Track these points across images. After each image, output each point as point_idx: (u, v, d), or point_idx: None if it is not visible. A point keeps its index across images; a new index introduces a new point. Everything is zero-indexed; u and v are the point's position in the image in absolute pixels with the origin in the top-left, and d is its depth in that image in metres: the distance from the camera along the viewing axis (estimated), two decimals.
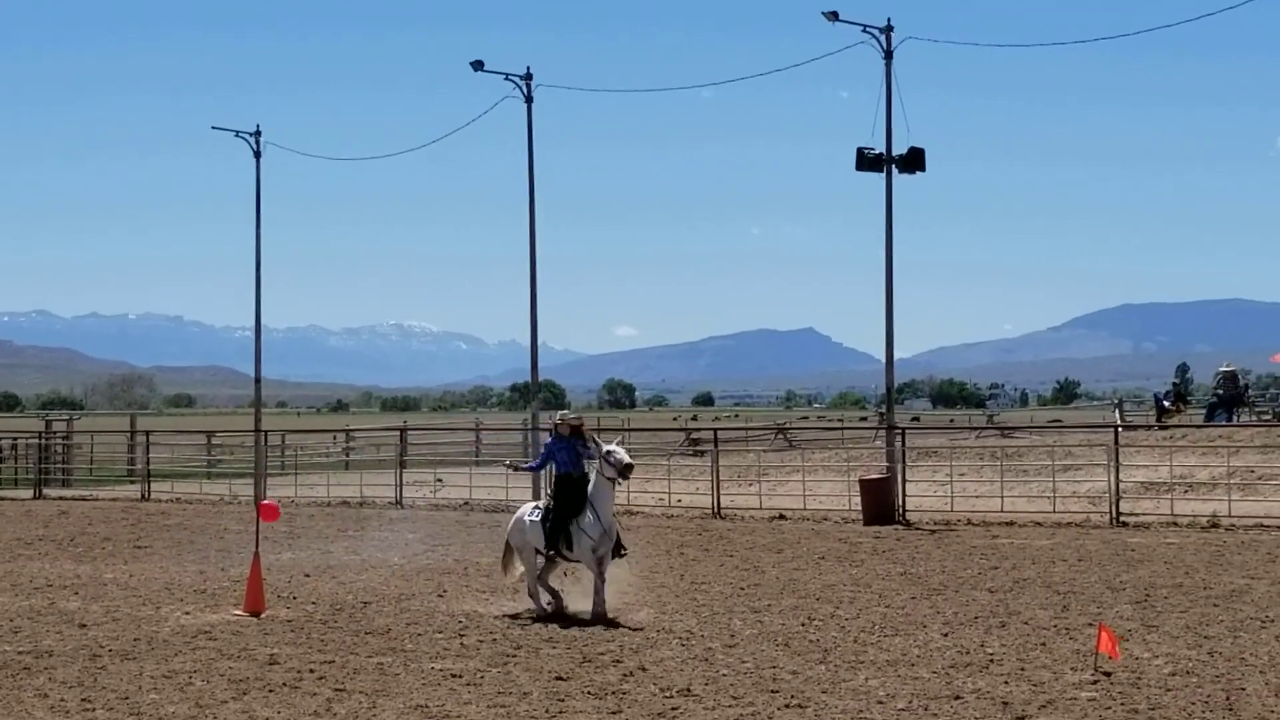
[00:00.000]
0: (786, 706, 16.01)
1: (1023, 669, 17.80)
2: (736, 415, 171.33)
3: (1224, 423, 52.25)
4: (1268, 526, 34.57)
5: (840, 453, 51.68)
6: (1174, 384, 67.80)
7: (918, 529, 37.29)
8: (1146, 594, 24.21)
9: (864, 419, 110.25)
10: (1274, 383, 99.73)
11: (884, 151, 40.90)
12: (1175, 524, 35.85)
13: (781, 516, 41.32)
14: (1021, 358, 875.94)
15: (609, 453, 23.19)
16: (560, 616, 22.60)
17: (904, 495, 40.29)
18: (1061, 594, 24.47)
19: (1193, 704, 15.68)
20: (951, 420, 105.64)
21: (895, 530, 37.14)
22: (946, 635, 20.47)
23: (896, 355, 42.97)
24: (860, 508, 39.71)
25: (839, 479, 44.64)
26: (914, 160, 40.86)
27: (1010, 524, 37.57)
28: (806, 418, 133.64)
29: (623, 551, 23.39)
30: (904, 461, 41.36)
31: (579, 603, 22.94)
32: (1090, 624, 19.71)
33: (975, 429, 66.03)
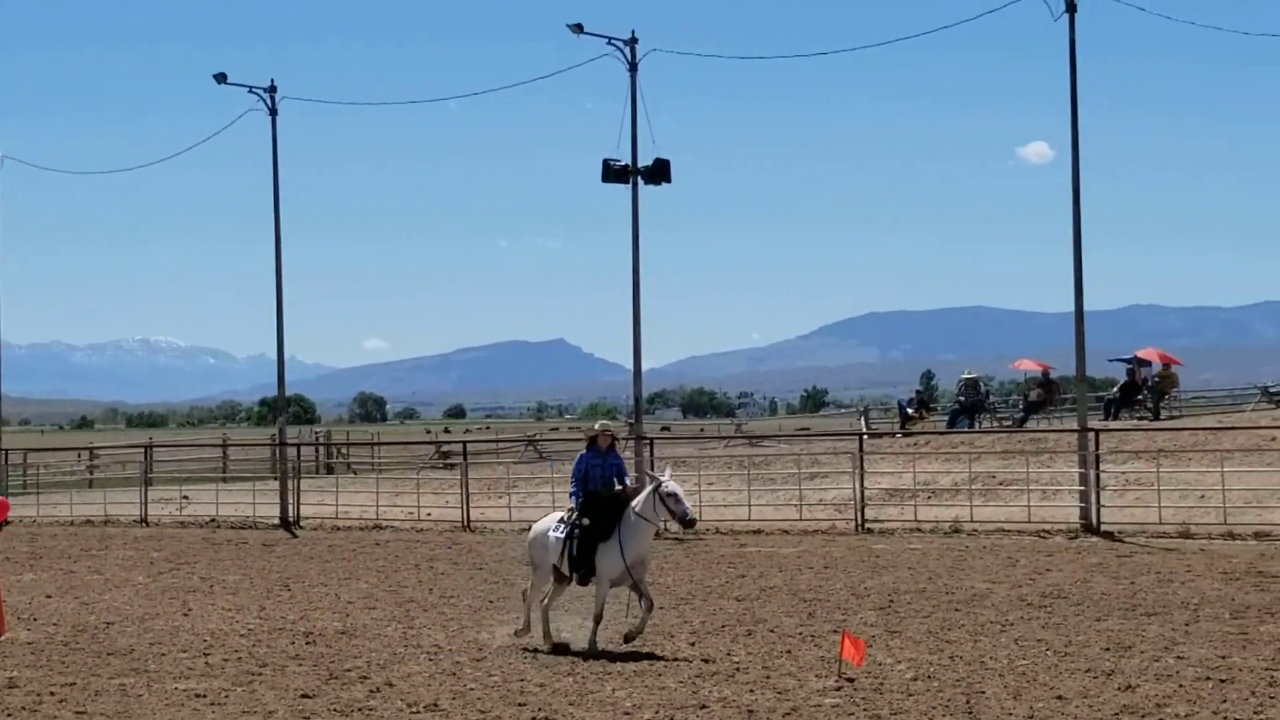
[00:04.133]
0: (534, 719, 16.01)
1: (768, 677, 17.99)
2: (488, 427, 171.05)
3: (966, 429, 53.38)
4: (1008, 531, 35.35)
5: None
6: (918, 391, 69.05)
7: (666, 539, 37.50)
8: (890, 600, 24.62)
9: None
10: (1016, 389, 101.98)
11: (630, 163, 41.10)
12: (919, 530, 36.51)
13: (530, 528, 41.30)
14: (771, 366, 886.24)
15: (665, 490, 20.22)
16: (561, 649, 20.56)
17: None
18: (807, 601, 24.78)
19: (933, 708, 15.96)
20: (701, 430, 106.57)
21: None
22: (693, 644, 20.62)
23: (647, 365, 43.26)
24: None
25: None
26: (660, 171, 41.13)
27: (758, 532, 37.97)
28: (557, 429, 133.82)
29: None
30: (653, 472, 41.59)
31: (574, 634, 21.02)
32: (835, 630, 19.98)
33: (724, 438, 66.67)
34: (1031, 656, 18.96)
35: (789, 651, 19.77)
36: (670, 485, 20.26)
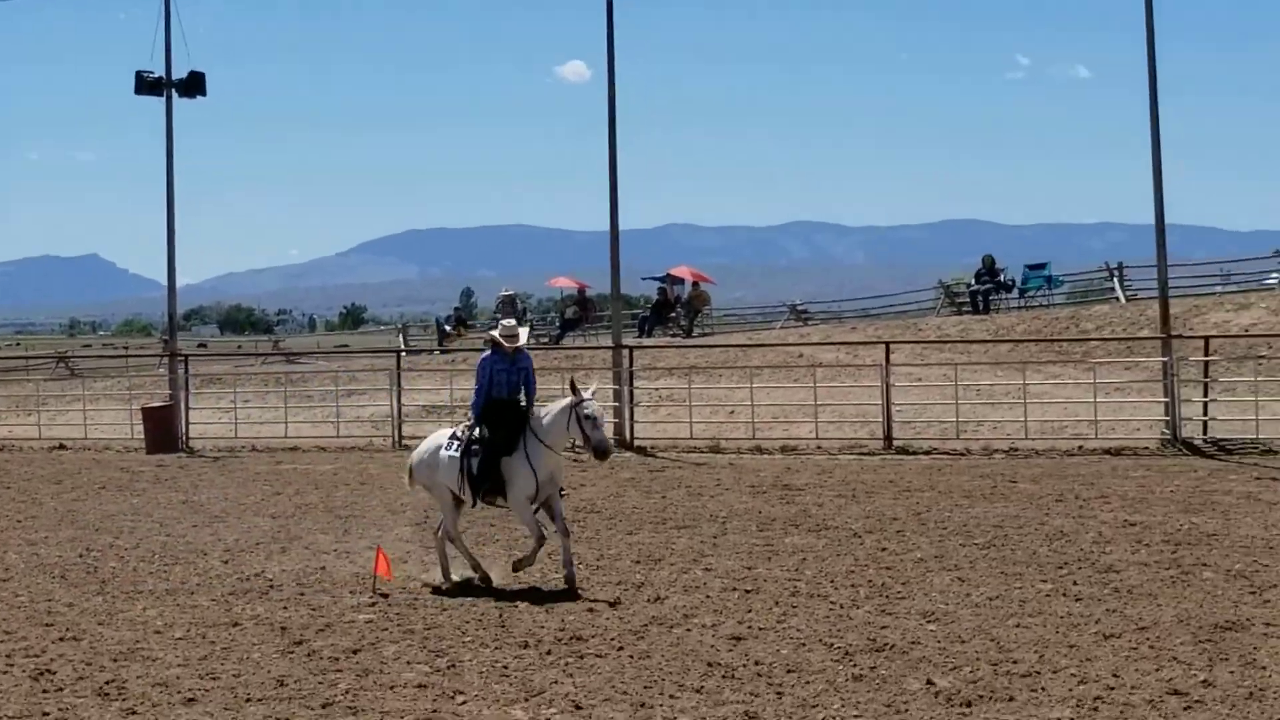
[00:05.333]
0: (61, 639, 15.55)
1: (302, 594, 17.84)
2: (18, 344, 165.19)
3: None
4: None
5: (123, 381, 50.60)
6: (456, 309, 69.24)
7: (201, 457, 36.91)
8: (426, 516, 24.64)
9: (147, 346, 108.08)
10: (553, 306, 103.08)
11: (164, 75, 40.11)
12: None
13: (62, 446, 40.20)
14: (310, 283, 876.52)
15: (584, 411, 17.59)
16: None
17: (188, 423, 39.81)
18: (343, 518, 24.65)
19: (466, 622, 16.05)
20: (239, 347, 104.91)
21: (179, 459, 36.65)
22: (227, 562, 20.31)
23: (184, 281, 42.59)
24: (143, 436, 39.02)
25: (121, 407, 43.70)
26: (194, 85, 40.27)
27: (294, 449, 37.64)
28: (90, 345, 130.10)
29: (562, 491, 18.57)
30: (187, 389, 40.87)
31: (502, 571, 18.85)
32: (370, 547, 19.93)
33: (261, 355, 65.78)
34: None
35: (324, 568, 19.64)
36: (591, 406, 17.69)
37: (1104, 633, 15.21)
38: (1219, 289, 53.95)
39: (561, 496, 18.26)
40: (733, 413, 37.93)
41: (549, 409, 17.87)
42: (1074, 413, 35.26)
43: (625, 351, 37.90)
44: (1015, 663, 14.04)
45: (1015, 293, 54.98)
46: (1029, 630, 15.43)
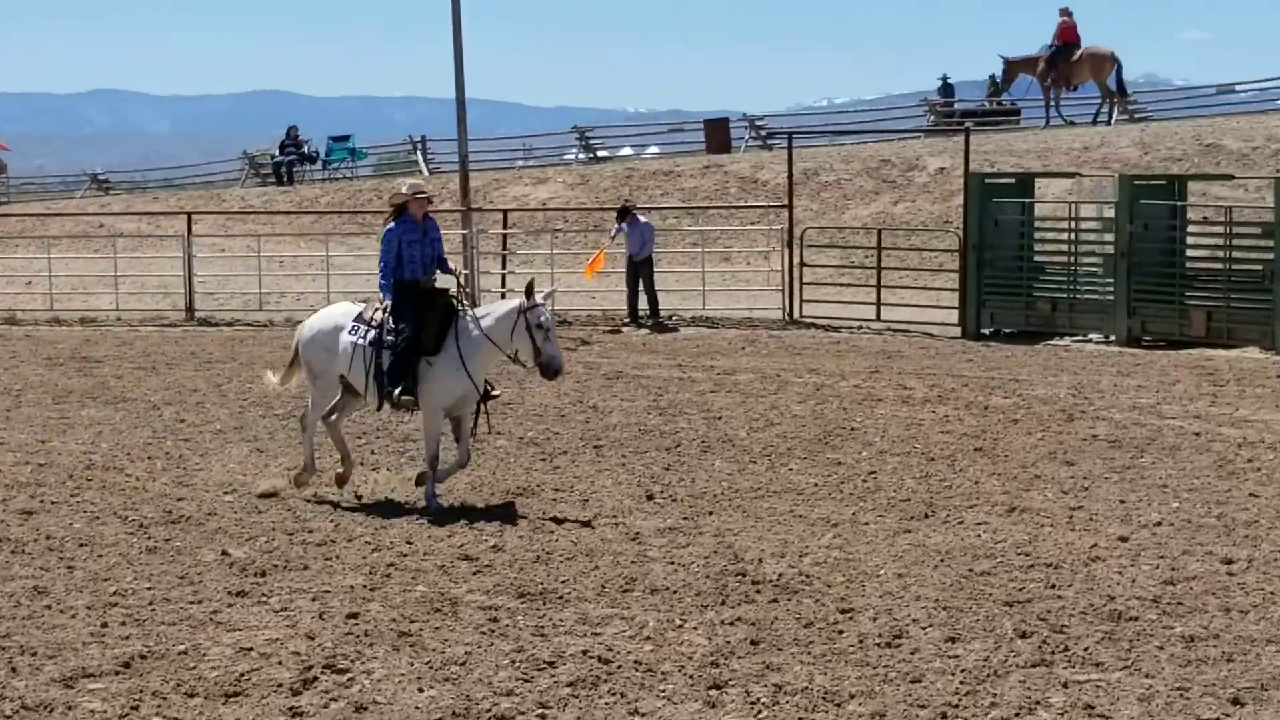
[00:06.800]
0: None
1: None
2: None
3: None
4: None
5: None
6: None
7: None
8: None
9: None
10: None
11: None
12: None
13: None
14: None
15: (536, 318, 14.87)
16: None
17: None
18: None
19: None
20: None
21: None
22: None
23: None
24: None
25: None
26: None
27: None
28: None
29: (494, 393, 15.88)
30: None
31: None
32: None
33: None
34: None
35: None
36: (545, 314, 14.95)
37: (399, 502, 15.51)
38: (520, 163, 55.39)
39: (494, 397, 15.83)
40: (30, 283, 36.69)
41: (491, 310, 15.32)
42: (377, 283, 35.57)
43: None
44: (311, 532, 14.18)
45: (319, 164, 55.04)
46: (325, 502, 15.57)
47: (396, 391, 15.12)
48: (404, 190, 15.58)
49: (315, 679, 10.16)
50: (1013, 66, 48.60)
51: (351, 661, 10.48)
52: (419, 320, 15.11)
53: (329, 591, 12.19)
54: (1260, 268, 26.86)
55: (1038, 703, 9.72)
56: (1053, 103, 47.14)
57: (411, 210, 15.37)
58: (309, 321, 16.21)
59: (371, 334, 15.29)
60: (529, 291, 14.93)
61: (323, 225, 40.45)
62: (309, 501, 15.46)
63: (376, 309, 15.46)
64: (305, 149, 54.81)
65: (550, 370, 14.86)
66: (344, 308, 16.12)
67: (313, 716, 9.62)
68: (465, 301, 15.60)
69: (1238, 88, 53.62)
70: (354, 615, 11.47)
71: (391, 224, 15.42)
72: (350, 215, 42.05)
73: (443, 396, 15.15)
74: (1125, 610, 11.53)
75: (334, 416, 16.02)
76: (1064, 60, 46.10)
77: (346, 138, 57.31)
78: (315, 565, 13.03)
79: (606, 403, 21.61)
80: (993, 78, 50.15)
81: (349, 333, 15.45)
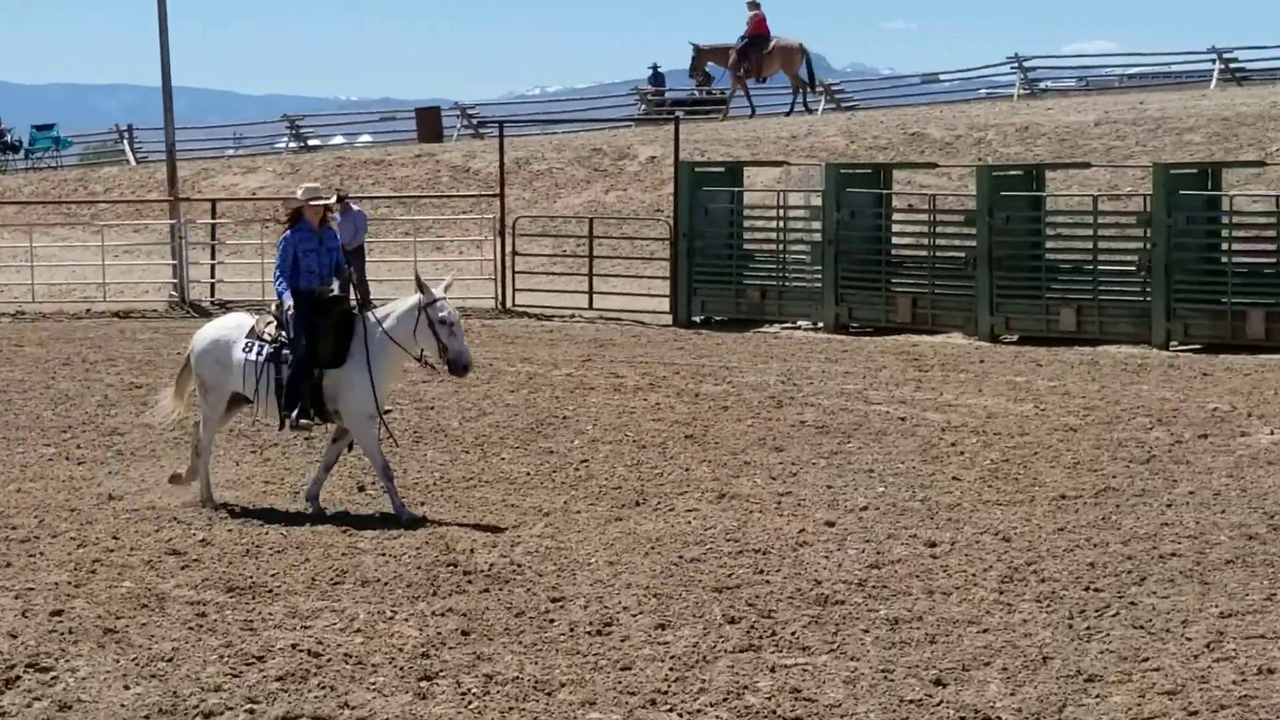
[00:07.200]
0: None
1: None
2: None
3: None
4: None
5: None
6: None
7: None
8: None
9: None
10: None
11: None
12: None
13: None
14: None
15: (439, 314, 14.07)
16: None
17: None
18: None
19: None
20: None
21: None
22: None
23: None
24: None
25: None
26: None
27: None
28: None
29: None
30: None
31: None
32: None
33: None
34: None
35: None
36: (447, 308, 14.16)
37: (107, 495, 15.23)
38: (230, 153, 54.60)
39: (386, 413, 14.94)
40: None
41: (390, 309, 14.44)
42: (83, 275, 34.86)
43: None
44: (15, 528, 13.87)
45: (22, 154, 53.76)
46: (30, 495, 15.25)
47: (294, 414, 14.46)
48: (299, 195, 14.83)
49: (18, 678, 9.95)
50: (702, 55, 49.38)
51: (55, 660, 10.28)
52: (313, 333, 14.36)
53: (32, 589, 11.93)
54: (963, 255, 27.55)
55: (745, 687, 9.88)
56: (740, 93, 47.95)
57: (307, 217, 14.62)
58: (201, 332, 15.23)
59: (268, 349, 14.47)
60: (421, 286, 14.21)
61: (26, 215, 39.41)
62: (10, 493, 15.10)
63: (269, 322, 14.63)
64: (8, 138, 53.48)
65: (459, 367, 14.17)
66: (237, 319, 15.30)
67: (15, 717, 9.43)
68: (360, 303, 14.90)
69: (941, 77, 55.08)
70: (58, 613, 11.26)
71: (288, 233, 14.65)
72: (55, 205, 41.18)
73: (365, 403, 14.32)
74: (831, 594, 11.78)
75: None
76: (756, 52, 46.97)
77: (50, 126, 56.03)
78: (18, 562, 12.75)
79: None
80: (693, 64, 50.51)
81: (242, 351, 14.57)
